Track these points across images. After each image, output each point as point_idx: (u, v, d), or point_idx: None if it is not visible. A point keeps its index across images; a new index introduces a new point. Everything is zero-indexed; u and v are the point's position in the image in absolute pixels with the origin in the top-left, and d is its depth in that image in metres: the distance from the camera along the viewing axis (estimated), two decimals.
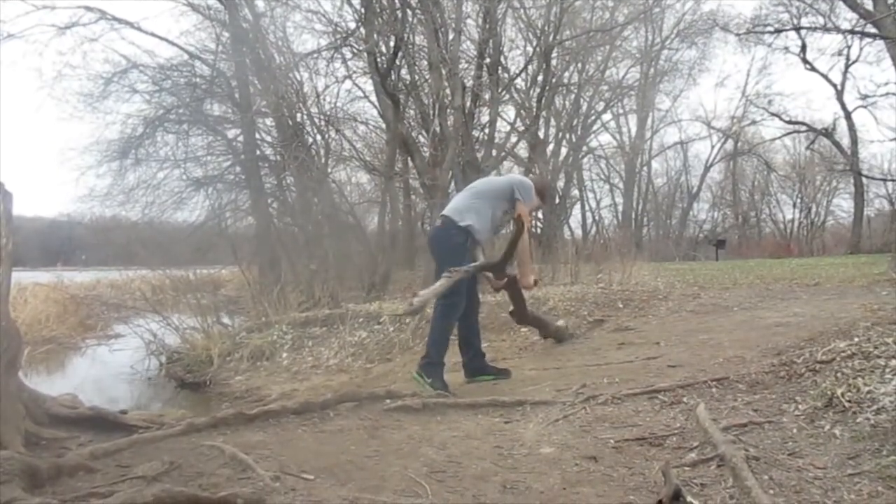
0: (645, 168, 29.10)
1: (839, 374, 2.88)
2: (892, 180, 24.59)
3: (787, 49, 22.66)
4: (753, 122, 27.82)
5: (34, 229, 31.00)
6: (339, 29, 11.95)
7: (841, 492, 2.03)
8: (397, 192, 12.61)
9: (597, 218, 28.00)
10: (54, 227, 29.85)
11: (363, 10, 11.27)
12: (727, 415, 2.81)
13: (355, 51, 12.10)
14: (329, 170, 12.30)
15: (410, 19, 11.61)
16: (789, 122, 25.90)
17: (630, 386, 3.47)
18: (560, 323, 5.64)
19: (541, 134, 17.02)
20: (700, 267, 14.06)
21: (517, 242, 4.11)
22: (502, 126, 15.49)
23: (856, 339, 3.28)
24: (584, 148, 22.73)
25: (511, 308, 4.87)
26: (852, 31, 18.76)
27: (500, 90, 13.04)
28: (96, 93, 11.24)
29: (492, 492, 2.24)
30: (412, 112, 13.24)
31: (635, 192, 28.47)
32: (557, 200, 18.23)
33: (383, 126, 13.24)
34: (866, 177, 23.63)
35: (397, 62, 11.53)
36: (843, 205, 27.41)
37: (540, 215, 14.88)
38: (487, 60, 12.78)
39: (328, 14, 12.10)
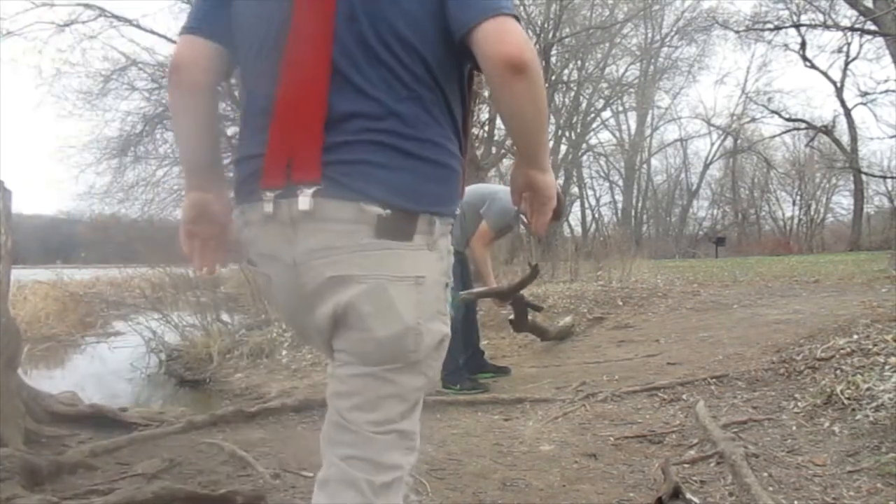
0: (644, 165, 29.13)
1: (838, 372, 2.88)
2: (892, 177, 24.56)
3: (786, 46, 22.61)
4: (753, 120, 27.81)
5: (33, 227, 30.92)
6: None
7: (840, 489, 2.03)
8: None
9: (596, 215, 28.07)
10: (54, 225, 29.85)
11: None
12: (727, 412, 2.82)
13: None
14: None
15: None
16: (789, 120, 25.84)
17: (629, 383, 3.48)
18: (567, 320, 5.68)
19: None
20: (700, 264, 14.06)
21: (528, 283, 4.35)
22: (502, 124, 15.46)
23: (855, 337, 3.29)
24: (584, 145, 22.70)
25: (511, 317, 4.93)
26: (852, 28, 18.70)
27: None
28: (95, 90, 11.26)
29: (491, 489, 2.24)
30: None
31: (635, 190, 28.51)
32: None
33: None
34: (866, 174, 23.59)
35: None
36: (843, 202, 27.37)
37: None
38: None
39: None
